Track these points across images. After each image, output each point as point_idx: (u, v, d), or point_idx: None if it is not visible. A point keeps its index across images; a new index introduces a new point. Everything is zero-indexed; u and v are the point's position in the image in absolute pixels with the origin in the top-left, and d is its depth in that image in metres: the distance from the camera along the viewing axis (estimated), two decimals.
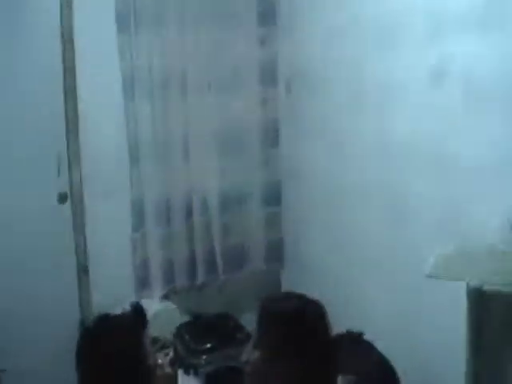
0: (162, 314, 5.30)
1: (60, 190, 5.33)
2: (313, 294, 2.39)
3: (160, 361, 2.32)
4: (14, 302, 5.09)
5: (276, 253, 5.92)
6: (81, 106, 5.08)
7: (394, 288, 4.18)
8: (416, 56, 3.82)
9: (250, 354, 2.33)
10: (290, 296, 2.42)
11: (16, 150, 5.02)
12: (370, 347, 4.00)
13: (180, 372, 4.67)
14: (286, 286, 5.70)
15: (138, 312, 2.36)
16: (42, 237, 5.19)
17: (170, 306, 5.49)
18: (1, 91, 4.81)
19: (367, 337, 4.06)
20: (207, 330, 5.23)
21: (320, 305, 2.34)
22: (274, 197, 5.87)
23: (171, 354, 2.48)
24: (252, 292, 5.47)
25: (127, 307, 2.38)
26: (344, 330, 4.11)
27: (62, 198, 5.34)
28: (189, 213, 5.60)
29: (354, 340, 4.08)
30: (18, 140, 5.02)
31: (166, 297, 5.61)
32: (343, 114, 4.68)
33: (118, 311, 2.42)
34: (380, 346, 3.93)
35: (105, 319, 2.36)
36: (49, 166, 5.22)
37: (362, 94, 4.42)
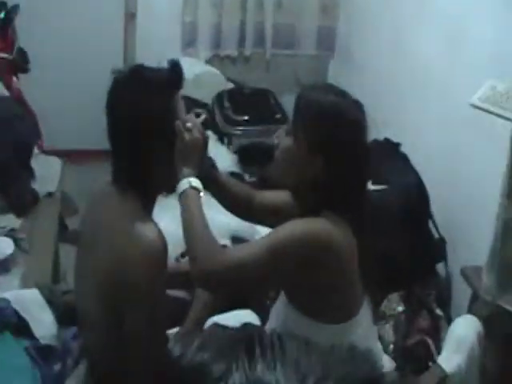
0: (205, 77, 5.26)
1: None
2: (356, 93, 2.28)
3: (189, 124, 2.23)
4: (61, 38, 5.15)
5: (328, 40, 5.76)
6: None
7: (440, 113, 4.04)
8: None
9: (281, 139, 2.27)
10: (332, 89, 2.32)
11: None
12: (405, 160, 3.95)
13: (213, 140, 4.65)
14: (333, 78, 5.58)
15: (174, 69, 2.25)
16: None
17: (214, 70, 5.42)
18: None
19: (404, 149, 4.01)
20: (247, 103, 5.18)
21: (361, 106, 2.24)
22: None
23: (204, 116, 2.39)
24: (298, 75, 5.35)
25: (165, 63, 2.27)
26: (381, 138, 4.08)
27: None
28: None
29: (391, 150, 4.04)
30: None
31: (210, 61, 5.52)
32: None
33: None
34: (415, 162, 3.88)
35: (139, 70, 2.27)
36: None
37: None
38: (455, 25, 3.88)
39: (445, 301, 3.61)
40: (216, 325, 2.53)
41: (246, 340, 0.75)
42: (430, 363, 2.93)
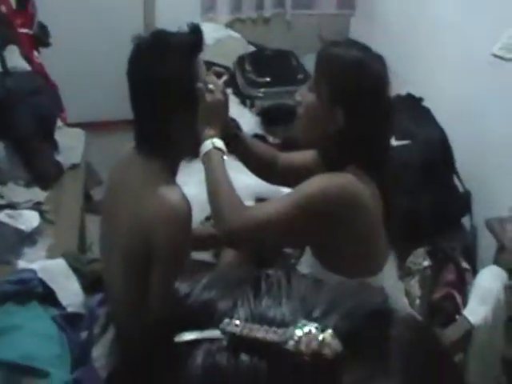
0: (226, 41, 5.28)
1: None
2: (378, 49, 2.28)
3: (211, 86, 2.25)
4: (80, 9, 5.20)
5: None
6: None
7: (462, 66, 4.03)
8: None
9: (304, 95, 2.28)
10: (354, 44, 2.33)
11: None
12: (428, 114, 3.94)
13: (235, 103, 4.67)
14: (355, 35, 5.53)
15: (194, 33, 2.27)
16: None
17: (235, 34, 5.42)
18: None
19: (427, 104, 3.99)
20: (269, 65, 5.18)
21: (383, 60, 2.24)
22: None
23: (225, 77, 2.40)
24: (319, 33, 5.34)
25: (185, 27, 2.29)
26: (404, 93, 4.06)
27: None
28: None
29: (414, 104, 4.02)
30: None
31: (231, 25, 5.51)
32: None
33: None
34: (438, 117, 3.86)
35: (159, 35, 2.29)
36: None
37: None
38: None
39: (470, 253, 3.63)
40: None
41: (252, 277, 0.77)
42: (457, 316, 2.94)
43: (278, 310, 0.71)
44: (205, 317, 0.71)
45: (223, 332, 0.69)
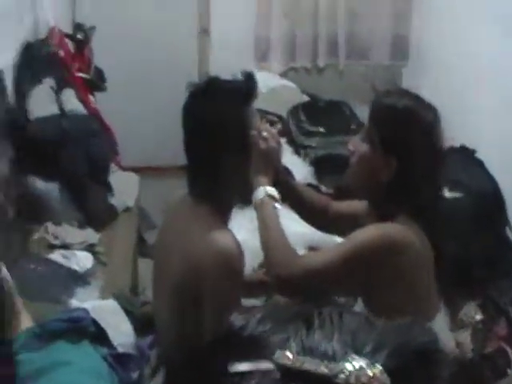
0: (280, 90, 5.33)
1: None
2: (431, 99, 2.29)
3: (265, 133, 2.29)
4: (136, 56, 5.33)
5: (401, 49, 5.78)
6: None
7: (510, 116, 4.04)
8: None
9: (356, 145, 2.30)
10: (406, 93, 2.35)
11: None
12: (481, 166, 3.94)
13: (288, 152, 4.70)
14: (407, 85, 5.54)
15: (248, 80, 2.32)
16: None
17: (289, 83, 5.48)
18: None
19: (480, 156, 3.99)
20: (323, 114, 5.22)
21: (434, 109, 2.27)
22: None
23: (279, 126, 2.44)
24: (372, 83, 5.38)
25: (239, 74, 2.34)
26: (457, 145, 4.07)
27: None
28: None
29: (467, 156, 4.03)
30: None
31: (284, 74, 5.59)
32: None
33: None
34: (491, 168, 3.86)
35: (214, 81, 2.34)
36: None
37: None
38: None
39: None
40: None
41: (305, 313, 0.80)
42: (509, 371, 2.91)
43: (330, 344, 0.73)
44: (259, 349, 0.73)
45: (275, 364, 0.72)
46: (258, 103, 2.37)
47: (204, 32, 5.49)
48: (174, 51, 5.46)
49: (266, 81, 5.18)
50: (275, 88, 5.30)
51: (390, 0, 5.64)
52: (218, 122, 2.23)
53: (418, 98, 2.27)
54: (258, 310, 0.81)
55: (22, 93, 3.47)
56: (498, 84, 4.20)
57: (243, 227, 2.97)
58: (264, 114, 3.90)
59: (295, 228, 2.83)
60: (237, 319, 0.80)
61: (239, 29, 5.50)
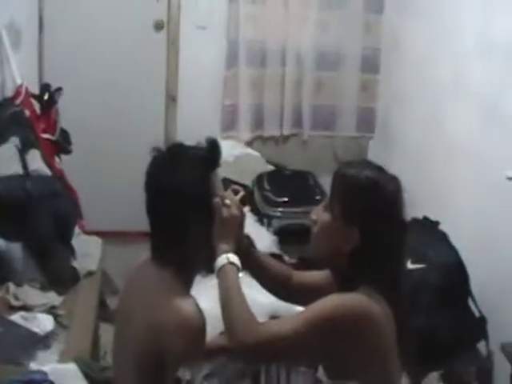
0: (245, 159, 5.39)
1: (157, 17, 5.36)
2: (395, 171, 2.31)
3: (228, 201, 2.31)
4: (103, 120, 5.39)
5: (367, 121, 5.91)
6: None
7: (476, 190, 4.14)
8: None
9: (319, 214, 2.33)
10: (369, 165, 2.36)
11: None
12: (444, 238, 3.99)
13: (252, 221, 4.74)
14: (373, 157, 5.63)
15: (212, 147, 2.34)
16: (134, 63, 5.33)
17: (254, 153, 5.55)
18: None
19: (443, 227, 4.06)
20: (287, 184, 5.30)
21: (398, 181, 2.28)
22: (371, 63, 5.84)
23: (242, 193, 2.45)
24: (337, 154, 5.47)
25: (203, 142, 2.37)
26: (420, 216, 4.13)
27: (159, 26, 5.39)
28: (282, 61, 5.66)
29: (430, 228, 4.09)
30: None
31: (250, 144, 5.68)
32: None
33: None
34: (454, 240, 3.93)
35: (177, 147, 2.37)
36: None
37: None
38: (490, 102, 4.00)
39: (486, 378, 3.62)
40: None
41: (252, 371, 0.83)
42: None
43: None
44: None
45: None
46: (224, 172, 2.39)
47: (171, 99, 5.55)
48: (141, 116, 5.53)
49: (232, 149, 5.26)
50: (240, 157, 5.36)
51: (357, 72, 5.78)
52: (179, 187, 2.24)
53: (380, 169, 2.29)
54: (206, 366, 0.84)
55: None
56: (464, 159, 4.29)
57: (204, 294, 2.97)
58: (229, 182, 3.93)
59: (257, 297, 2.80)
60: (183, 374, 0.82)
61: (206, 97, 5.59)
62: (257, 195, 5.11)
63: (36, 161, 3.69)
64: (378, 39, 5.78)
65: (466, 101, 4.31)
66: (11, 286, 3.21)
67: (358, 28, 5.75)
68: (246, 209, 3.41)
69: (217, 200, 2.28)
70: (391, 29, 5.61)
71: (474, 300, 3.82)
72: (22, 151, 3.61)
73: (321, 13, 5.64)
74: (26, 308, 3.14)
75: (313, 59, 5.70)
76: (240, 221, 2.34)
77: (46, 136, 4.12)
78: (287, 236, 4.79)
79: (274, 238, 4.77)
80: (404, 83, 5.35)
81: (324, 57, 5.74)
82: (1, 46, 3.94)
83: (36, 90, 4.33)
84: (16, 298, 3.16)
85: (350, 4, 5.68)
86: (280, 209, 5.01)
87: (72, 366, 2.60)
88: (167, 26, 5.48)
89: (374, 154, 5.69)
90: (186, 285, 2.31)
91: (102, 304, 3.83)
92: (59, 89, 4.35)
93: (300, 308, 2.48)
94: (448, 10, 4.62)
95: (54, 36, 5.34)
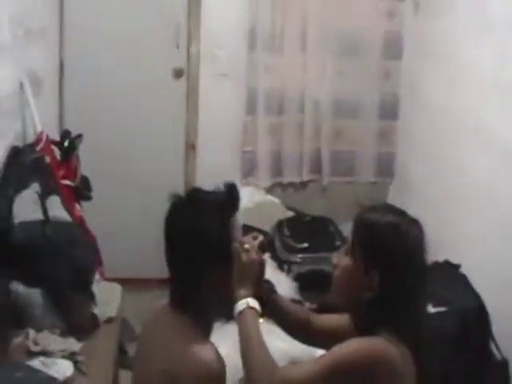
0: (265, 206, 5.41)
1: (176, 65, 5.42)
2: (416, 215, 2.31)
3: (247, 246, 2.31)
4: (122, 167, 5.44)
5: (387, 166, 5.94)
6: None
7: (497, 234, 4.13)
8: None
9: (340, 258, 2.34)
10: (391, 209, 2.38)
11: (134, 19, 5.25)
12: (465, 282, 3.98)
13: (272, 267, 4.74)
14: (393, 202, 5.64)
15: (230, 192, 2.35)
16: (154, 111, 5.36)
17: (274, 199, 5.57)
18: None
19: (464, 271, 4.06)
20: (307, 230, 5.31)
21: (419, 225, 2.28)
22: (390, 110, 5.88)
23: (261, 238, 2.45)
24: (357, 200, 5.47)
25: (221, 186, 2.37)
26: (441, 260, 4.13)
27: (178, 73, 5.45)
28: (300, 109, 5.71)
29: (451, 271, 4.08)
30: (137, 8, 5.26)
31: (270, 190, 5.70)
32: (467, 42, 4.67)
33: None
34: (475, 283, 3.92)
35: (196, 192, 2.39)
36: (167, 38, 5.32)
37: (487, 28, 4.36)
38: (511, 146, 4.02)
39: None
40: None
41: None
42: None
43: None
44: None
45: None
46: (244, 218, 2.40)
47: (191, 147, 5.60)
48: (160, 164, 5.58)
49: (252, 196, 5.28)
50: (260, 203, 5.38)
51: (375, 118, 5.81)
52: (198, 233, 2.25)
53: (402, 213, 2.29)
54: None
55: (7, 196, 3.51)
56: (484, 203, 4.30)
57: (225, 341, 2.97)
58: (249, 229, 3.95)
59: (276, 343, 2.82)
60: None
61: (226, 144, 5.64)
62: (277, 241, 5.12)
63: (56, 207, 3.71)
64: (396, 85, 5.83)
65: (486, 144, 4.32)
66: (31, 332, 3.21)
67: (376, 75, 5.80)
68: (266, 255, 3.41)
69: (236, 245, 2.29)
70: (409, 75, 5.65)
71: (495, 343, 3.80)
72: (43, 197, 3.63)
73: (338, 60, 5.70)
74: (45, 353, 3.13)
75: (331, 107, 5.75)
76: (259, 266, 2.34)
77: (66, 182, 4.13)
78: (307, 282, 4.80)
79: (294, 284, 4.78)
80: (423, 128, 5.38)
81: (342, 104, 5.79)
82: (22, 94, 3.98)
83: (56, 137, 4.36)
84: (35, 343, 3.17)
85: (368, 51, 5.73)
86: (300, 255, 5.03)
87: None
88: (187, 74, 5.53)
89: (394, 199, 5.71)
90: (205, 330, 2.31)
91: (121, 350, 3.83)
92: (79, 135, 4.39)
93: (320, 351, 2.48)
94: (466, 56, 4.65)
95: (74, 83, 5.41)
